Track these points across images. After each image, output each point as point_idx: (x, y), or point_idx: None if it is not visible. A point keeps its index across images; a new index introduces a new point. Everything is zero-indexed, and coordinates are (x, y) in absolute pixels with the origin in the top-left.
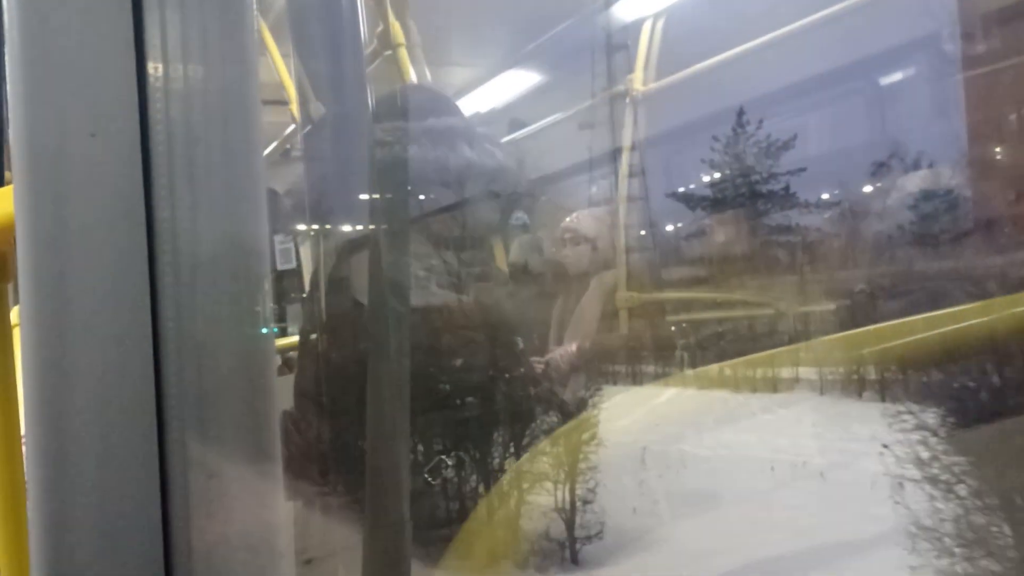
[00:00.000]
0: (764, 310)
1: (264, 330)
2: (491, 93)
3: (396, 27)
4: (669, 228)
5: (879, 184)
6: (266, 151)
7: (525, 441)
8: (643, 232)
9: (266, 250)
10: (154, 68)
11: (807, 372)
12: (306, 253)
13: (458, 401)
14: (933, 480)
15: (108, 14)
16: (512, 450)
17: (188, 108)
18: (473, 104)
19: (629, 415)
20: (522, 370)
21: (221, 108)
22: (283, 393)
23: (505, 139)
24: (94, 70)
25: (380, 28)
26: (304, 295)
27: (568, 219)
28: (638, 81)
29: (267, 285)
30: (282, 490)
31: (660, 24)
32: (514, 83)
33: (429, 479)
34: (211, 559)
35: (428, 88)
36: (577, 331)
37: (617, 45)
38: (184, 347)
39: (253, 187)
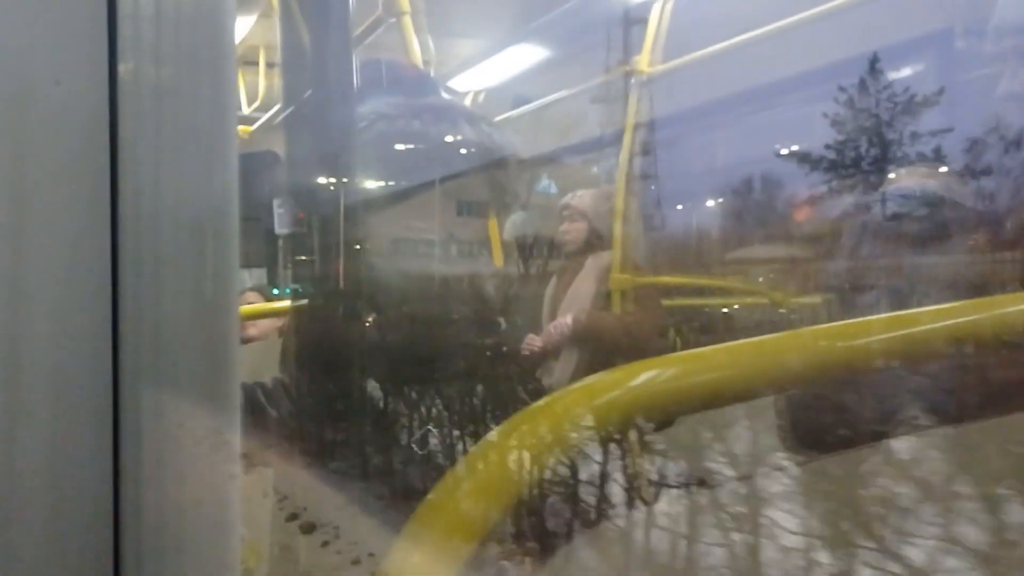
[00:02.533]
0: (759, 299)
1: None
2: (497, 67)
3: None
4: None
5: None
6: (269, 113)
7: None
8: (654, 211)
9: (235, 209)
10: (125, 14)
11: None
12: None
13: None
14: None
15: None
16: None
17: (159, 58)
18: (479, 77)
19: None
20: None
21: (194, 59)
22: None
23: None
24: (61, 14)
25: None
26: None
27: (567, 196)
28: (644, 62)
29: (236, 245)
30: (237, 457)
31: (669, 6)
32: (521, 57)
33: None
34: (160, 522)
35: (419, 68)
36: (572, 310)
37: (635, 19)
38: (143, 305)
39: (224, 144)
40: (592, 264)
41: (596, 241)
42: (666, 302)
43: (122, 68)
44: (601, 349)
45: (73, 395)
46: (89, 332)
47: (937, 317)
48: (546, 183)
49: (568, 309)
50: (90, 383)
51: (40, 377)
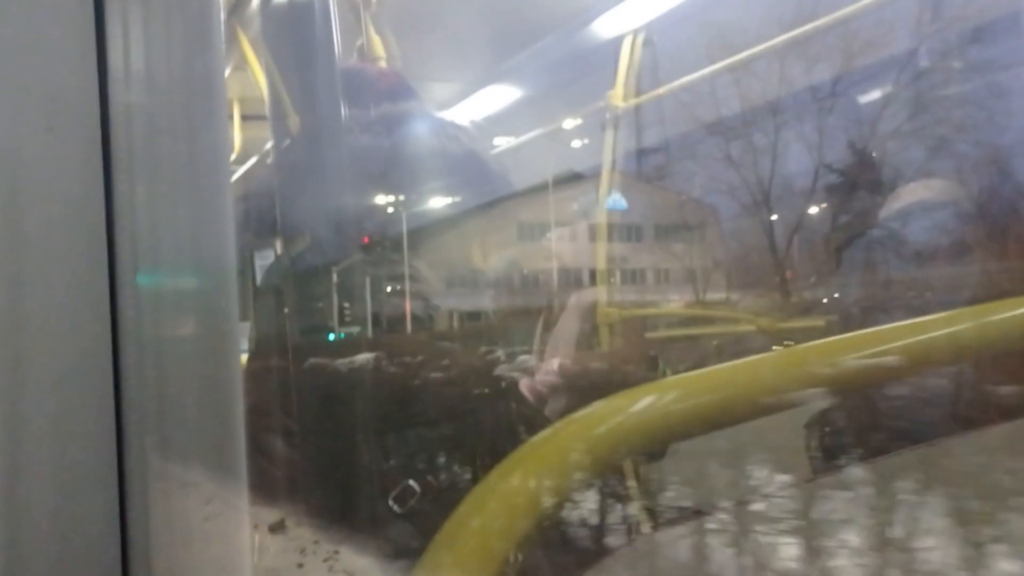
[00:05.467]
0: (747, 326)
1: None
2: (474, 108)
3: (376, 40)
4: None
5: None
6: (248, 163)
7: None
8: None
9: (232, 252)
10: (116, 61)
11: None
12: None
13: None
14: None
15: (69, 4)
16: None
17: (152, 103)
18: (457, 118)
19: None
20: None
21: (186, 104)
22: None
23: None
24: (53, 62)
25: (360, 41)
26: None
27: (548, 235)
28: (618, 97)
29: (235, 295)
30: (247, 514)
31: (640, 39)
32: (497, 97)
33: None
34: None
35: (379, 70)
36: (556, 349)
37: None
38: (145, 354)
39: (219, 186)
40: (575, 302)
41: (568, 279)
42: (652, 334)
43: (113, 113)
44: (589, 392)
45: (77, 457)
46: (90, 389)
47: (935, 326)
48: (617, 196)
49: (553, 349)
50: (93, 443)
51: (42, 440)
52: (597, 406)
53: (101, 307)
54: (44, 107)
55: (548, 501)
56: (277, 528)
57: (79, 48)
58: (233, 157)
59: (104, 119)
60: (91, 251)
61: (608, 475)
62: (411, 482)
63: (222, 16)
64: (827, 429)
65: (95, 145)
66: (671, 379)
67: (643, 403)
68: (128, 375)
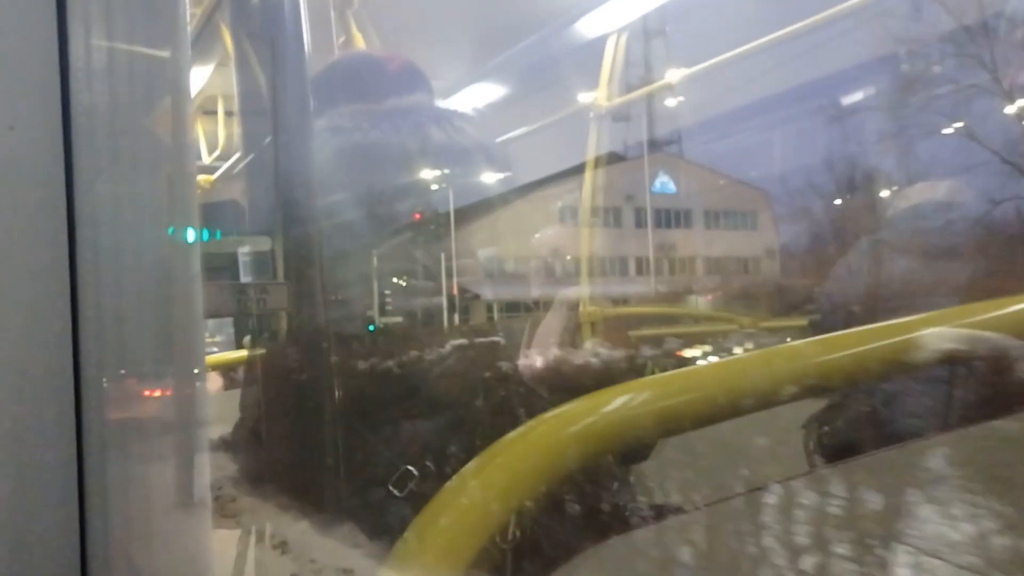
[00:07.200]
0: (728, 325)
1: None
2: (458, 104)
3: (358, 37)
4: None
5: None
6: (230, 161)
7: None
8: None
9: (196, 251)
10: (78, 59)
11: None
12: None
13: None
14: None
15: (30, 2)
16: None
17: (114, 101)
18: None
19: None
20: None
21: (148, 101)
22: None
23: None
24: (14, 60)
25: (343, 38)
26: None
27: (538, 234)
28: (602, 97)
29: (199, 291)
30: (209, 512)
31: (623, 40)
32: (482, 95)
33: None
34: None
35: (386, 62)
36: (540, 346)
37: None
38: (106, 350)
39: (183, 184)
40: (561, 299)
41: (552, 276)
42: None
43: (75, 110)
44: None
45: (36, 454)
46: (50, 384)
47: (913, 327)
48: (664, 179)
49: (537, 345)
50: (53, 441)
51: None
52: (569, 405)
53: (62, 303)
54: (5, 105)
55: (518, 499)
56: None
57: (41, 46)
58: (218, 153)
59: (66, 117)
60: (53, 248)
61: (583, 473)
62: (409, 467)
63: (188, 12)
64: (825, 428)
65: (57, 143)
66: (646, 379)
67: (616, 403)
68: (89, 370)
